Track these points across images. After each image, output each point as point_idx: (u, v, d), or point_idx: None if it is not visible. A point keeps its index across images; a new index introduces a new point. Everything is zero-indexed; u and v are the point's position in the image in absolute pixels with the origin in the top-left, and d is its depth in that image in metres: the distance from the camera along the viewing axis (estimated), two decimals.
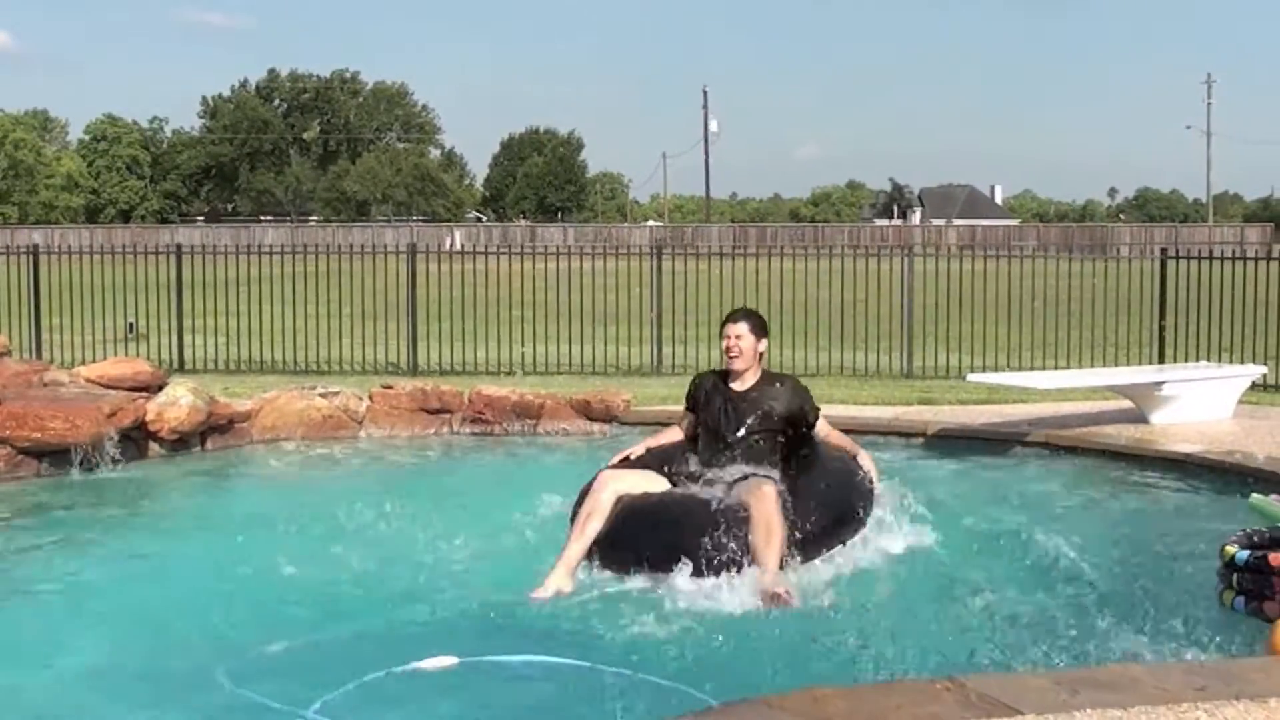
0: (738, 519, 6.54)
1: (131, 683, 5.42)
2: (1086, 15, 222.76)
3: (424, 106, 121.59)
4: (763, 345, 7.36)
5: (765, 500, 6.55)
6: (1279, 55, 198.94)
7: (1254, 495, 8.25)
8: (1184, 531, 7.98)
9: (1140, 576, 7.00)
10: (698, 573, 6.42)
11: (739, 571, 6.41)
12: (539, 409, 11.59)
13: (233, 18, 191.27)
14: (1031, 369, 15.32)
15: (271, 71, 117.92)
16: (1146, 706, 4.10)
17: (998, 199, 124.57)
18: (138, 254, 19.29)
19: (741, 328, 7.28)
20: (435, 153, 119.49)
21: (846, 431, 10.98)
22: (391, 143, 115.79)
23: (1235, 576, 6.02)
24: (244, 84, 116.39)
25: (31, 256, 17.59)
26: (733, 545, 6.45)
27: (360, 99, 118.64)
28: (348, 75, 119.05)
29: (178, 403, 10.39)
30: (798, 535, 6.69)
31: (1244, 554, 5.97)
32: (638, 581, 6.54)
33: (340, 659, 5.59)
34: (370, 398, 11.57)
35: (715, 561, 6.43)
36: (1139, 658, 5.44)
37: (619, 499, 6.80)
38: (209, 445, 10.73)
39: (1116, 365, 15.45)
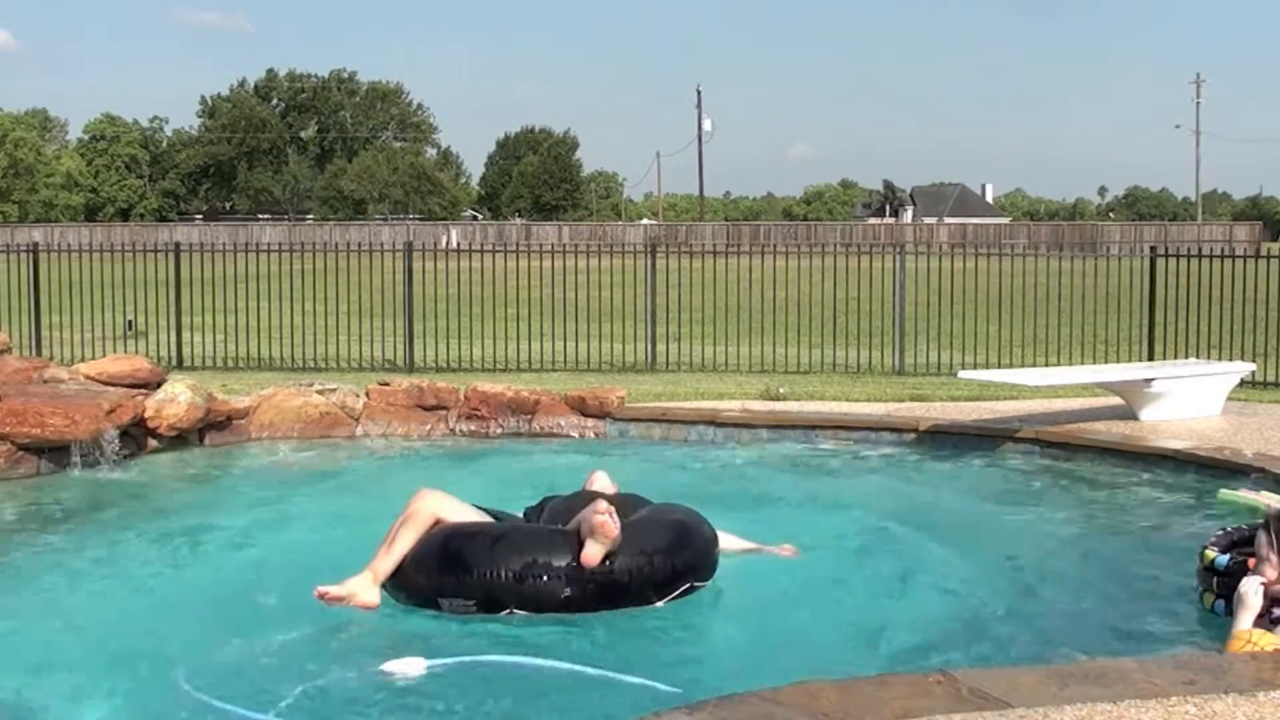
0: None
1: (106, 682, 5.40)
2: (1077, 16, 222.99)
3: (420, 106, 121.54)
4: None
5: (596, 507, 6.12)
6: (1267, 55, 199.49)
7: (1223, 490, 8.34)
8: (1171, 527, 8.06)
9: (1126, 573, 7.07)
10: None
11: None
12: (534, 405, 11.66)
13: (231, 18, 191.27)
14: (1022, 366, 15.40)
15: (270, 71, 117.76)
16: (1136, 700, 4.14)
17: (989, 198, 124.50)
18: (136, 252, 19.30)
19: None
20: (431, 152, 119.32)
21: (839, 429, 11.17)
22: (388, 142, 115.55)
23: (1215, 580, 6.02)
24: (242, 84, 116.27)
25: (31, 254, 17.62)
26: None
27: (357, 99, 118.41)
28: (344, 75, 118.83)
29: (176, 400, 10.44)
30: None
31: (1223, 558, 5.99)
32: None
33: (319, 658, 5.59)
34: (367, 394, 11.62)
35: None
36: (1121, 652, 5.49)
37: (437, 520, 6.35)
38: (207, 442, 10.78)
39: (1106, 362, 15.52)
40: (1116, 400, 11.59)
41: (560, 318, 17.44)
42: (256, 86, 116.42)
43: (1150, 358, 15.28)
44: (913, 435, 10.90)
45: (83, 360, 13.22)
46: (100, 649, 5.82)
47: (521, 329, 17.73)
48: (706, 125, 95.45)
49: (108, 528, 8.22)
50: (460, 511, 6.45)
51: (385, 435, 11.29)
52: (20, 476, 9.43)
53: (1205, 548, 6.20)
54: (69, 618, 6.32)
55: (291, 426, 11.15)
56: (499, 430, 11.45)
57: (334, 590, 6.09)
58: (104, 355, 12.71)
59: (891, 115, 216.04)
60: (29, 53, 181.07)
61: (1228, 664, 4.72)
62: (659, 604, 6.19)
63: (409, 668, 5.36)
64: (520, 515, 6.90)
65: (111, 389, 10.41)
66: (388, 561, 6.23)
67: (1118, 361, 15.50)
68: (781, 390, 13.17)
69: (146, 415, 10.28)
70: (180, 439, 10.53)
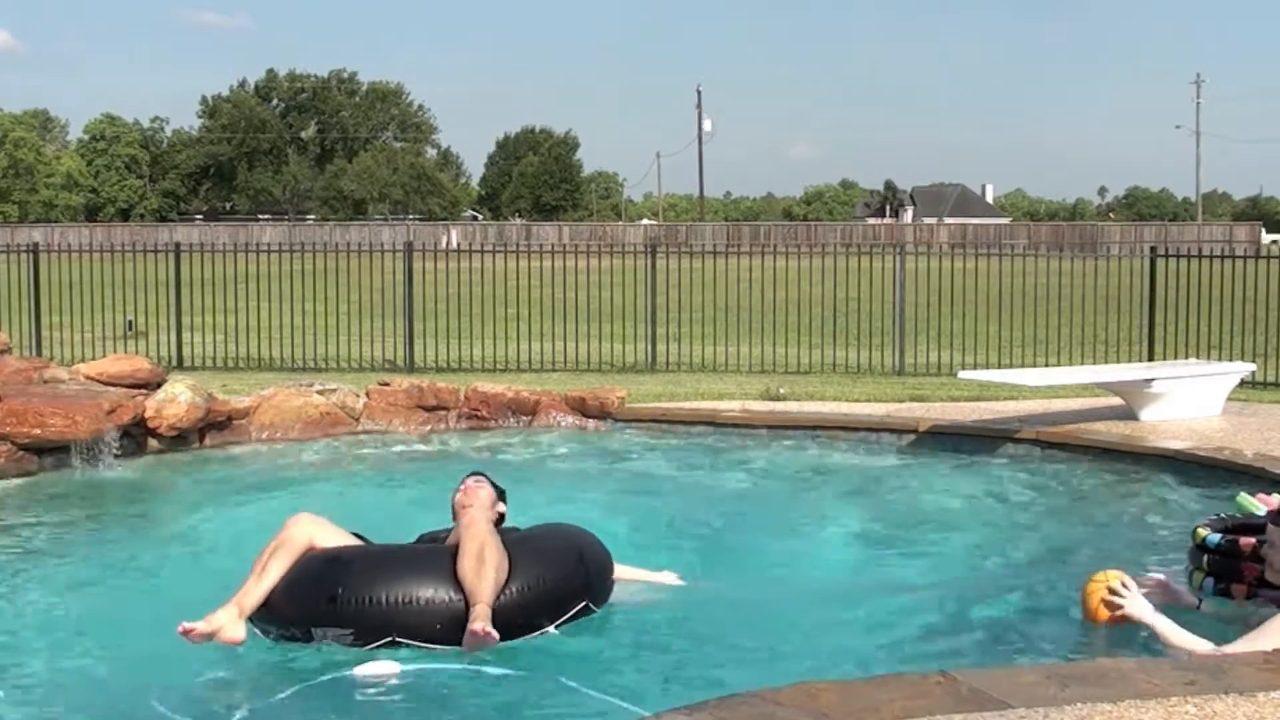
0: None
1: (75, 693, 5.36)
2: (1077, 15, 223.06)
3: (420, 106, 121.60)
4: (501, 507, 6.51)
5: (475, 526, 5.88)
6: (1267, 56, 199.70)
7: (1242, 495, 8.33)
8: (1172, 527, 8.06)
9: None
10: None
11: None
12: (534, 406, 11.67)
13: (232, 18, 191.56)
14: (1022, 366, 15.40)
15: (270, 71, 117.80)
16: (1136, 700, 4.11)
17: (989, 198, 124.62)
18: (137, 252, 19.32)
19: (481, 479, 6.56)
20: (431, 152, 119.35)
21: (839, 429, 11.17)
22: (388, 142, 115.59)
23: (1205, 558, 6.08)
24: (243, 84, 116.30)
25: (31, 255, 17.63)
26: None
27: (357, 99, 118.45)
28: (345, 75, 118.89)
29: (176, 400, 10.43)
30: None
31: (1215, 537, 6.05)
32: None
33: (306, 669, 5.54)
34: (367, 394, 11.63)
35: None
36: (1121, 653, 5.49)
37: (311, 547, 5.97)
38: (207, 442, 10.77)
39: (1106, 362, 15.52)
40: (1116, 400, 11.59)
41: (560, 318, 17.45)
42: (257, 86, 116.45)
43: (1150, 358, 15.27)
44: (913, 436, 10.91)
45: (83, 360, 13.22)
46: (79, 656, 5.78)
47: (521, 329, 17.74)
48: (706, 125, 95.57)
49: (106, 529, 8.20)
50: (336, 538, 6.08)
51: (385, 435, 11.29)
52: (21, 477, 9.42)
53: (1198, 527, 6.25)
54: (55, 622, 6.29)
55: (292, 427, 11.15)
56: (499, 430, 11.45)
57: (199, 627, 5.59)
58: (104, 355, 12.70)
59: (891, 115, 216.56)
60: (29, 53, 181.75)
61: (1228, 664, 4.71)
62: (551, 630, 5.80)
63: (383, 670, 5.32)
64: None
65: (112, 389, 10.41)
66: (256, 593, 5.79)
67: (1118, 361, 15.50)
68: (781, 390, 13.17)
69: (147, 415, 10.28)
70: (180, 439, 10.52)
